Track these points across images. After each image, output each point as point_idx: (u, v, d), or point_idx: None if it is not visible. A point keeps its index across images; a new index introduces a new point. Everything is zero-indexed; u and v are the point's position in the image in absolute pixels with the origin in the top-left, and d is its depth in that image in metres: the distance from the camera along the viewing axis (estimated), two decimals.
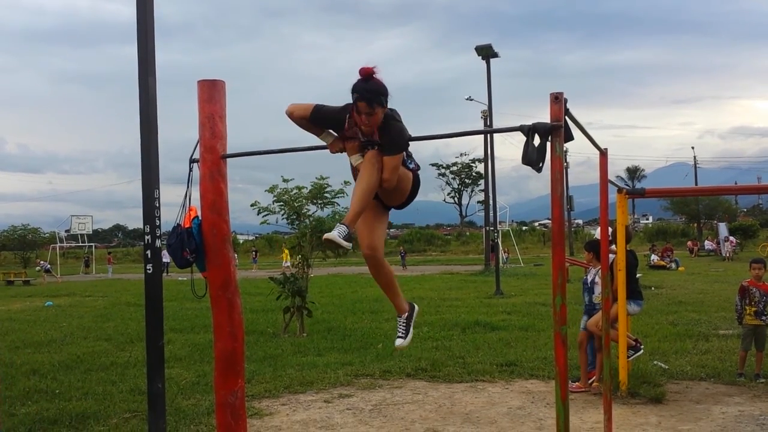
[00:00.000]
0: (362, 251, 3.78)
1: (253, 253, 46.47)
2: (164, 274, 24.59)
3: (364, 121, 3.49)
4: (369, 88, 3.45)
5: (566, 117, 3.11)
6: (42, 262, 38.87)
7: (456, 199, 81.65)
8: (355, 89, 3.48)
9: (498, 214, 31.69)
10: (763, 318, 7.48)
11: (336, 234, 3.35)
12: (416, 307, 4.05)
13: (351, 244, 3.42)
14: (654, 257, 30.01)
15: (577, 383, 6.99)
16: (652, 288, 17.97)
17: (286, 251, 34.79)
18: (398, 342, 3.89)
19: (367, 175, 3.49)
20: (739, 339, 7.79)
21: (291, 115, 3.65)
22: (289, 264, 33.28)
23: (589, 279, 7.18)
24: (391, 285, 3.89)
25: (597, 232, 7.95)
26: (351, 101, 3.53)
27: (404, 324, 3.92)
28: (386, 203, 3.84)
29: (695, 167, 69.01)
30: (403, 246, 48.55)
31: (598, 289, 6.88)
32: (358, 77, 3.49)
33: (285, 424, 6.06)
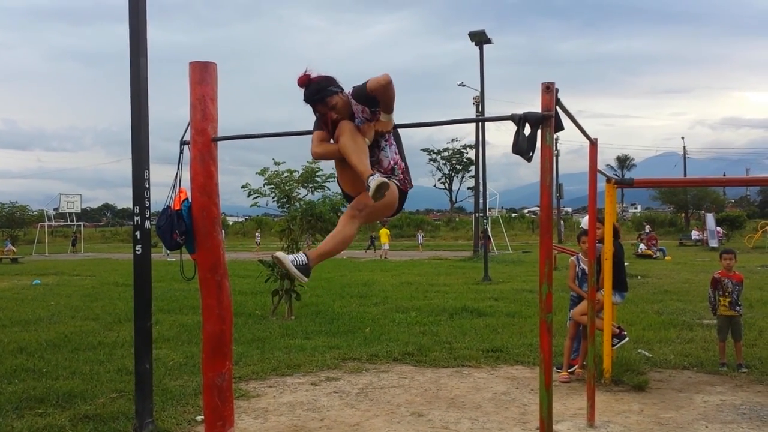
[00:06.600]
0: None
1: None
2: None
3: (333, 116, 3.65)
4: (311, 94, 3.63)
5: (557, 107, 3.13)
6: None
7: (446, 184, 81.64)
8: (306, 101, 3.67)
9: (488, 200, 31.75)
10: (737, 308, 7.55)
11: (290, 258, 3.43)
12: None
13: (305, 278, 3.46)
14: (642, 246, 30.18)
15: (565, 372, 7.01)
16: (639, 277, 18.11)
17: (385, 231, 34.44)
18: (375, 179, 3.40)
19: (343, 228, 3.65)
20: None
21: (319, 156, 3.78)
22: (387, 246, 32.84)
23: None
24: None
25: (584, 221, 7.96)
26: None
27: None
28: (376, 219, 3.91)
29: (684, 157, 69.29)
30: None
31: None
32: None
33: (272, 406, 6.10)
